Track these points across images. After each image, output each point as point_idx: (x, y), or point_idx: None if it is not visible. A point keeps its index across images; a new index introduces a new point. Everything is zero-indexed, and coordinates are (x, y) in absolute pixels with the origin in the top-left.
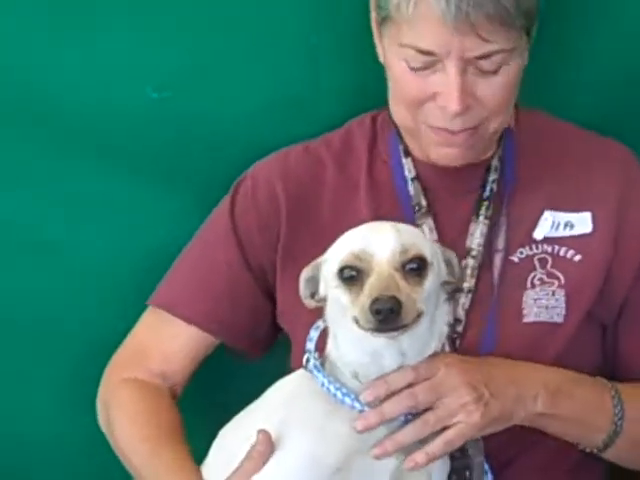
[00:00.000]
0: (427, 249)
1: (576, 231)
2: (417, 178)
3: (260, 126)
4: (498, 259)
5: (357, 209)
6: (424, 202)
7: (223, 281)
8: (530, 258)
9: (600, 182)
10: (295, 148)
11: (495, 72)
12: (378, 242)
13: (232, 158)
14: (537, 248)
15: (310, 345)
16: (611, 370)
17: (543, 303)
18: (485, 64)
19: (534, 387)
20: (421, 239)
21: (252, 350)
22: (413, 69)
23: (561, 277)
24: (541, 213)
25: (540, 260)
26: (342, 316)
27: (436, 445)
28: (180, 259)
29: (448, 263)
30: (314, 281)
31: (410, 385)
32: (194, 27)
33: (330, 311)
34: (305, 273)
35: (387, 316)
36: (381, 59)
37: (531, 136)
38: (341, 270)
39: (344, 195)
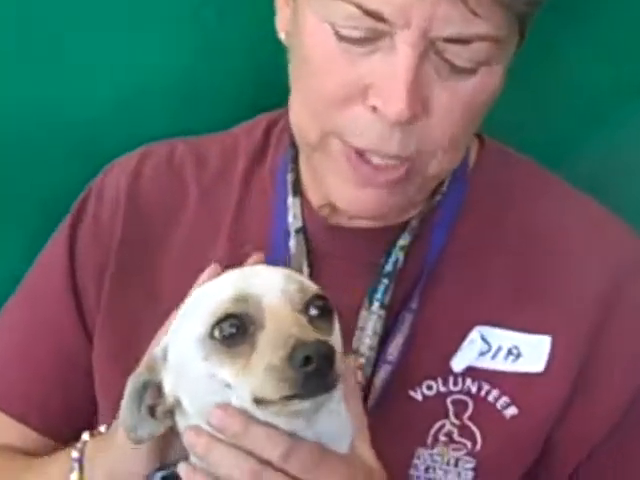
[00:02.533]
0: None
1: (522, 366)
2: (303, 230)
3: (134, 119)
4: (385, 373)
5: (211, 261)
6: (306, 268)
7: (53, 364)
8: (442, 398)
9: (580, 287)
10: (159, 148)
11: (470, 73)
12: (263, 282)
13: (97, 158)
14: (455, 384)
15: None
16: None
17: (438, 477)
18: (459, 56)
19: None
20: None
21: None
22: (343, 39)
23: (478, 439)
24: (471, 327)
25: (455, 403)
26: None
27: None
28: (5, 310)
29: None
30: (148, 391)
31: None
32: None
33: (190, 410)
34: (134, 381)
35: (322, 365)
36: (281, 34)
37: (493, 189)
38: (216, 326)
39: (201, 235)
